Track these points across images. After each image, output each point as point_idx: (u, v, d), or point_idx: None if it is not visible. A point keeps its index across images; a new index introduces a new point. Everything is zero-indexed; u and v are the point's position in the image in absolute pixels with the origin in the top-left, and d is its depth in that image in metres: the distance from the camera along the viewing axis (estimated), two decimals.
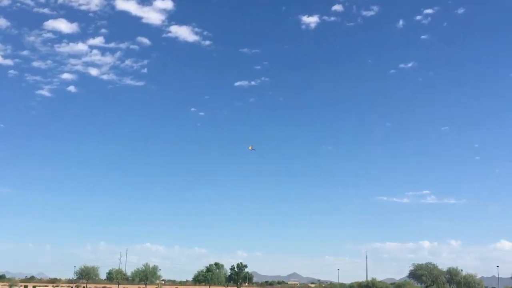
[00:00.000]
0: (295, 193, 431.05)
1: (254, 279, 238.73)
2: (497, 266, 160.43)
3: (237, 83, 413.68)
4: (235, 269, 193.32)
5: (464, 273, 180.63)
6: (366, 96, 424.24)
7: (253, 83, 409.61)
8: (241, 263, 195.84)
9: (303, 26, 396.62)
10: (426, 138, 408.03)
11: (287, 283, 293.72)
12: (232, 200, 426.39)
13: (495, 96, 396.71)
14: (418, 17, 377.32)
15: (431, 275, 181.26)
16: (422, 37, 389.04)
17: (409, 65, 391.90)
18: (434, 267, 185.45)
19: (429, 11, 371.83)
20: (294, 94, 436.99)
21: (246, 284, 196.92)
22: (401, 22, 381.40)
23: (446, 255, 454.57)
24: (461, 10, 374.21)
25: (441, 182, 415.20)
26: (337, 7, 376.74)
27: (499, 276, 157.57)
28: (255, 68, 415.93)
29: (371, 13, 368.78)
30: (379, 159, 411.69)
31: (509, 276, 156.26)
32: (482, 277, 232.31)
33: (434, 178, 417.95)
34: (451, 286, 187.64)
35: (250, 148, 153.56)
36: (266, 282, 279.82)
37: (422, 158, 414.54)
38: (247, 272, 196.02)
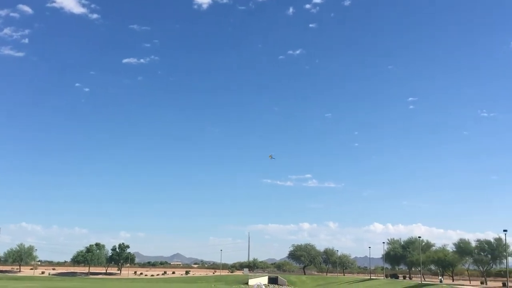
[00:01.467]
0: (180, 174, 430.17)
1: (136, 260, 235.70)
2: (369, 247, 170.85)
3: (125, 60, 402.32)
4: (117, 249, 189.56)
5: (339, 253, 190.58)
6: (254, 80, 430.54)
7: (142, 61, 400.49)
8: (123, 243, 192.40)
9: (195, 6, 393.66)
10: (310, 123, 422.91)
11: (170, 263, 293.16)
12: (116, 180, 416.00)
13: (374, 86, 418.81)
14: (307, 6, 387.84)
15: (309, 255, 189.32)
16: (311, 25, 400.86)
17: (297, 52, 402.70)
18: (312, 247, 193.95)
19: (317, 0, 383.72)
20: (184, 75, 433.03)
21: (128, 265, 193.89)
22: (291, 10, 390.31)
23: (324, 237, 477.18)
24: (347, 2, 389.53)
25: (322, 167, 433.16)
26: None
27: (371, 256, 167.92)
28: (145, 46, 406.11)
29: None
30: (264, 142, 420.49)
31: (379, 256, 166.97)
32: (356, 257, 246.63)
33: (316, 163, 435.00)
34: (327, 266, 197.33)
35: (270, 157, 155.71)
36: (149, 262, 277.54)
37: (306, 142, 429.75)
38: (129, 252, 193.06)
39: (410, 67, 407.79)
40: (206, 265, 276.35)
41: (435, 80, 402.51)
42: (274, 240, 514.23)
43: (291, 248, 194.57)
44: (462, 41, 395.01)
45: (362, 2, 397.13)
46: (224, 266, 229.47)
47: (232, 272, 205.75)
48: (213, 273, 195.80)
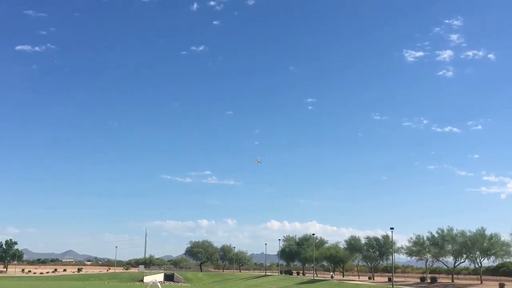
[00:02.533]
0: (72, 170, 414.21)
1: (25, 257, 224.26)
2: (266, 244, 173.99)
3: (18, 47, 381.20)
4: (3, 246, 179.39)
5: (236, 250, 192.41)
6: (157, 75, 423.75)
7: (37, 48, 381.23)
8: (10, 239, 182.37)
9: None
10: (212, 120, 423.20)
11: (61, 261, 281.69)
12: (4, 171, 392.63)
13: (275, 85, 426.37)
14: (212, 3, 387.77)
15: (206, 252, 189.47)
16: (215, 22, 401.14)
17: (200, 48, 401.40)
18: (210, 244, 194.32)
19: None
20: (81, 66, 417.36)
21: (15, 262, 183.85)
22: (195, 6, 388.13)
23: (222, 233, 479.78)
24: (251, 2, 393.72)
25: (223, 164, 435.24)
26: None
27: (267, 253, 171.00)
28: (41, 33, 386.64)
29: None
30: (163, 137, 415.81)
31: (275, 253, 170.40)
32: (253, 254, 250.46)
33: (216, 160, 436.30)
34: (224, 263, 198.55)
35: (256, 161, 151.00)
36: (39, 259, 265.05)
37: (207, 139, 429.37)
38: (17, 249, 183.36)
39: (310, 69, 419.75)
40: (100, 262, 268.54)
41: (333, 83, 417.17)
42: (172, 237, 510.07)
43: (189, 245, 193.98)
44: (358, 47, 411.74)
45: (266, 2, 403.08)
46: (119, 263, 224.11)
47: (127, 269, 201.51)
48: (107, 271, 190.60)
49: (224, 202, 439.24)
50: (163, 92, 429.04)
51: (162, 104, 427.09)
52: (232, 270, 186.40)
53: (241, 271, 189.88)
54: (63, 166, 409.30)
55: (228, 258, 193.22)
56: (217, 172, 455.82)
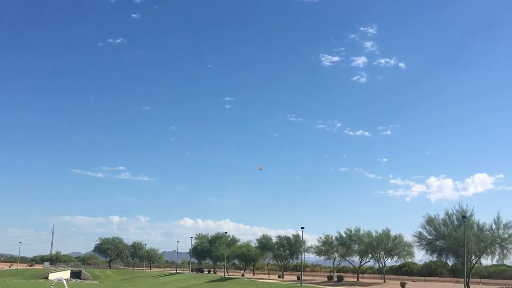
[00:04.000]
0: None
1: None
2: (178, 242, 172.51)
3: None
4: None
5: (147, 247, 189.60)
6: (72, 65, 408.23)
7: None
8: None
9: None
10: (127, 115, 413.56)
11: None
12: None
13: (194, 82, 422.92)
14: None
15: (116, 249, 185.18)
16: (134, 15, 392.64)
17: (118, 41, 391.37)
18: (120, 241, 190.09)
19: None
20: None
21: None
22: None
23: (134, 230, 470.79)
24: None
25: (137, 159, 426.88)
26: None
27: (179, 251, 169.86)
28: None
29: None
30: (75, 130, 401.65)
31: (186, 251, 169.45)
32: (165, 251, 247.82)
33: (131, 155, 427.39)
34: (134, 260, 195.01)
35: (258, 168, 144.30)
36: None
37: (121, 134, 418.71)
38: None
39: (229, 67, 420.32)
40: (1, 258, 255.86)
41: (251, 83, 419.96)
42: (81, 233, 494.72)
43: (98, 242, 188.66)
44: (277, 48, 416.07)
45: None
46: (23, 260, 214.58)
47: (31, 266, 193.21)
48: (9, 267, 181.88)
49: (137, 198, 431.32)
50: (77, 83, 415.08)
51: (76, 96, 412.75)
52: (143, 268, 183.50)
53: (152, 268, 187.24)
54: None
55: (139, 256, 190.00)
56: (131, 167, 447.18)
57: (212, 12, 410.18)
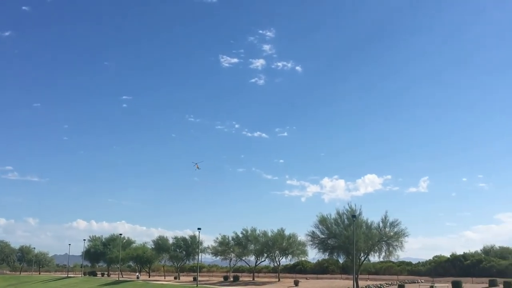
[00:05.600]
0: None
1: None
2: (69, 244, 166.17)
3: None
4: None
5: (36, 251, 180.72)
6: None
7: None
8: None
9: None
10: (16, 112, 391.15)
11: None
12: None
13: (89, 80, 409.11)
14: None
15: (2, 253, 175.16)
16: (24, 8, 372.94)
17: (7, 34, 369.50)
18: (6, 245, 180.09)
19: None
20: None
21: None
22: None
23: (22, 233, 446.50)
24: None
25: (26, 159, 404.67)
26: None
27: (72, 254, 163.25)
28: None
29: None
30: None
31: (79, 254, 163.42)
32: (56, 255, 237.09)
33: (19, 154, 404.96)
34: (21, 264, 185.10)
35: (197, 167, 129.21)
36: None
37: (8, 132, 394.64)
38: None
39: (127, 66, 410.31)
40: None
41: (149, 82, 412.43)
42: None
43: None
44: (171, 47, 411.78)
45: None
46: None
47: None
48: None
49: (26, 199, 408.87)
50: None
51: None
52: (31, 272, 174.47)
53: (41, 273, 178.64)
54: None
55: (27, 260, 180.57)
56: (20, 167, 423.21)
57: (112, 7, 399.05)
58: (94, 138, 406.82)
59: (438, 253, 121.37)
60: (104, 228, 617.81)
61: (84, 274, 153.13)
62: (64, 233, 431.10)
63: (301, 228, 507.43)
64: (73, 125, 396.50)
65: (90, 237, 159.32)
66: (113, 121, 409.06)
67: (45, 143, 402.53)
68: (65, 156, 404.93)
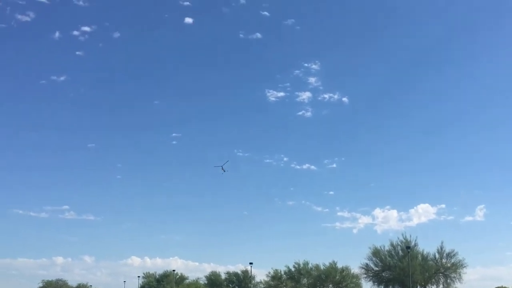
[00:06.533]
0: None
1: None
2: (124, 281, 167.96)
3: None
4: None
5: None
6: (12, 106, 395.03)
7: None
8: None
9: None
10: (72, 152, 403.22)
11: None
12: None
13: (141, 119, 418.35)
14: (76, 33, 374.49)
15: None
16: (78, 53, 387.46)
17: (62, 78, 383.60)
18: (64, 283, 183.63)
19: (86, 28, 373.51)
20: None
21: None
22: (57, 34, 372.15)
23: (79, 271, 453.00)
24: (117, 35, 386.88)
25: (81, 198, 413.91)
26: None
27: None
28: None
29: (26, 18, 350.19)
30: (16, 168, 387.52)
31: None
32: None
33: (75, 194, 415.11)
34: None
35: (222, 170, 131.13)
36: None
37: (64, 171, 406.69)
38: None
39: (174, 103, 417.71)
40: None
41: (197, 118, 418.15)
42: (22, 276, 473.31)
43: (41, 284, 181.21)
44: (222, 83, 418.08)
45: (132, 35, 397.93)
46: None
47: None
48: None
49: (82, 238, 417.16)
50: (20, 123, 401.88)
51: (16, 133, 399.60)
52: None
53: None
54: None
55: None
56: (76, 206, 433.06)
57: (156, 49, 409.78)
58: (146, 176, 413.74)
59: (499, 284, 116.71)
60: (157, 265, 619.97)
61: None
62: (119, 270, 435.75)
63: (354, 260, 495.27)
64: (125, 164, 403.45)
65: (144, 273, 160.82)
66: (163, 158, 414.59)
67: (99, 182, 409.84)
68: (119, 194, 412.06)
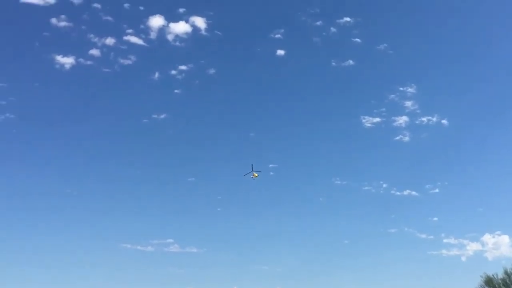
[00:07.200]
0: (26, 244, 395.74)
1: None
2: None
3: None
4: None
5: None
6: (117, 144, 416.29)
7: None
8: None
9: (57, 66, 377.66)
10: (173, 187, 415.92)
11: None
12: None
13: (237, 151, 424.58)
14: (173, 72, 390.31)
15: None
16: (176, 91, 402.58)
17: (162, 116, 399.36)
18: None
19: (183, 67, 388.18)
20: (38, 134, 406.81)
21: None
22: (156, 75, 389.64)
23: None
24: (212, 71, 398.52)
25: (184, 231, 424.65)
26: (94, 52, 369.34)
27: None
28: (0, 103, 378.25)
29: (128, 62, 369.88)
30: (124, 206, 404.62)
31: None
32: None
33: (178, 228, 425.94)
34: None
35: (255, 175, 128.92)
36: None
37: (168, 207, 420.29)
38: None
39: (270, 136, 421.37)
40: None
41: (293, 149, 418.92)
42: None
43: None
44: (317, 113, 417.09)
45: (226, 71, 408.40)
46: None
47: None
48: None
49: (186, 270, 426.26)
50: (125, 161, 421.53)
51: (122, 171, 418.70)
52: None
53: None
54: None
55: None
56: (179, 240, 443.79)
57: (250, 83, 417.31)
58: (245, 208, 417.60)
59: None
60: None
61: None
62: None
63: None
64: (225, 196, 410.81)
65: None
66: (261, 189, 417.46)
67: (201, 215, 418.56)
68: (220, 226, 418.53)
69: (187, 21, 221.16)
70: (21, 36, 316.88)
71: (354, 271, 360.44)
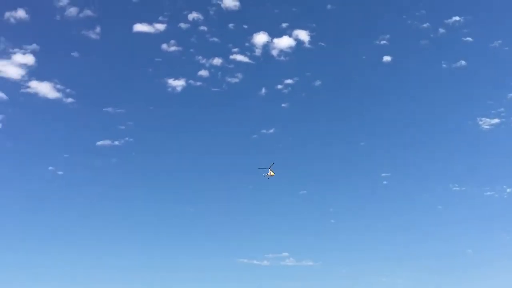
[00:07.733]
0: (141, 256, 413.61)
1: None
2: None
3: (99, 143, 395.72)
4: None
5: None
6: (225, 160, 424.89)
7: (116, 143, 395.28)
8: None
9: (169, 89, 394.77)
10: (285, 200, 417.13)
11: None
12: None
13: (348, 162, 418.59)
14: (279, 86, 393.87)
15: None
16: (283, 105, 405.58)
17: (271, 131, 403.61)
18: None
19: (289, 81, 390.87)
20: (155, 156, 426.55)
21: None
22: (263, 90, 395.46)
23: None
24: (318, 83, 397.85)
25: (299, 245, 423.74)
26: (203, 72, 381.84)
27: None
28: (119, 128, 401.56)
29: (235, 80, 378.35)
30: (241, 221, 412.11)
31: None
32: None
33: (293, 241, 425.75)
34: None
35: (271, 174, 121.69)
36: None
37: (282, 221, 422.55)
38: None
39: (382, 144, 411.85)
40: None
41: (406, 156, 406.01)
42: None
43: None
44: (432, 117, 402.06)
45: (332, 82, 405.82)
46: None
47: None
48: None
49: (302, 284, 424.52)
50: (235, 176, 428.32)
51: (235, 187, 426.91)
52: None
53: None
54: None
55: None
56: (294, 253, 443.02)
57: (357, 90, 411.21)
58: (358, 219, 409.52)
59: None
60: None
61: None
62: None
63: None
64: (337, 208, 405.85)
65: None
66: (374, 200, 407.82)
67: (315, 228, 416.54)
68: (333, 238, 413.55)
69: (290, 35, 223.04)
70: (135, 63, 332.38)
71: (476, 283, 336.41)
